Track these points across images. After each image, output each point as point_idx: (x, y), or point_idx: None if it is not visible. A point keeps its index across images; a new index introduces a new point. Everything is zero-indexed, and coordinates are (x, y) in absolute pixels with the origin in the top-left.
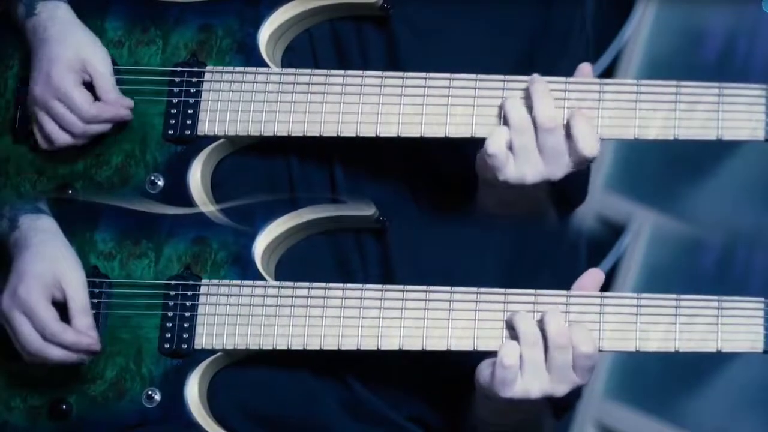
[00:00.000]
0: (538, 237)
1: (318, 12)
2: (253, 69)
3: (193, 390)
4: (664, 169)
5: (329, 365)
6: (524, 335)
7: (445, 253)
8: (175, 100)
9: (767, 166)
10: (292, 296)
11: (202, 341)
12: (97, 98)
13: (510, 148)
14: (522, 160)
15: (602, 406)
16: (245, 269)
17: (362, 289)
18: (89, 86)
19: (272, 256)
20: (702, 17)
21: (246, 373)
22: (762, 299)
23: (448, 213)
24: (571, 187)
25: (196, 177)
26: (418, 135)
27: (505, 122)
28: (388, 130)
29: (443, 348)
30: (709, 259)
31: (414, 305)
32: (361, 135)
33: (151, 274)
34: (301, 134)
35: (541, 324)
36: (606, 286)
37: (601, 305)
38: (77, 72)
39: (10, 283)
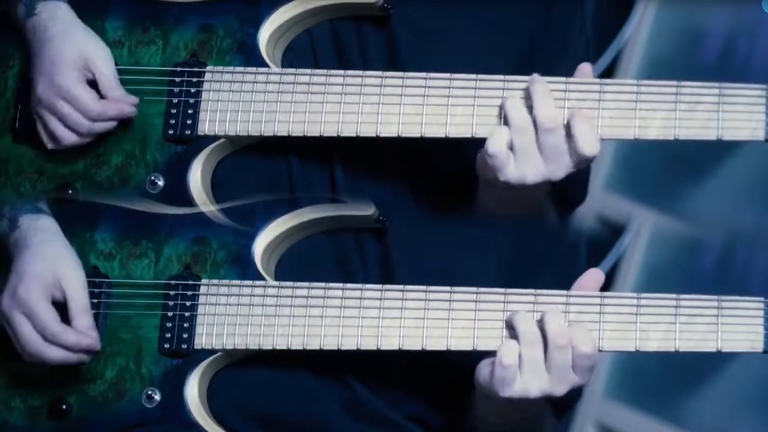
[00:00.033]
0: (538, 237)
1: (318, 12)
2: (253, 69)
3: (192, 390)
4: (664, 169)
5: (329, 365)
6: (524, 335)
7: (445, 253)
8: (175, 100)
9: (767, 166)
10: (292, 296)
11: (201, 341)
12: (101, 96)
13: (510, 148)
14: (522, 160)
15: (602, 406)
16: (245, 269)
17: (362, 289)
18: (92, 84)
19: (272, 256)
20: (702, 17)
21: (246, 373)
22: (762, 299)
23: (448, 213)
24: (571, 187)
25: (197, 177)
26: (418, 135)
27: (506, 122)
28: (389, 130)
29: (443, 348)
30: (709, 259)
31: (414, 305)
32: (362, 135)
33: (151, 274)
34: (301, 134)
35: (540, 324)
36: (606, 286)
37: (600, 305)
38: (80, 70)
39: (10, 283)
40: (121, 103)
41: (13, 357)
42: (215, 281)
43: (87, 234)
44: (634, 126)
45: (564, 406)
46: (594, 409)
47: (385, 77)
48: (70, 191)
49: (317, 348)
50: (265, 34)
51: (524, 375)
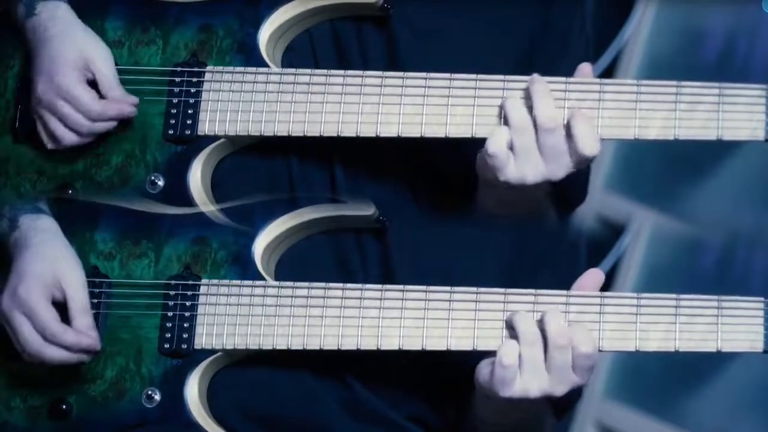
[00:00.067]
0: (538, 237)
1: (318, 12)
2: (253, 69)
3: (192, 390)
4: (664, 169)
5: (329, 365)
6: (524, 335)
7: (445, 253)
8: (175, 100)
9: (767, 166)
10: (292, 296)
11: (201, 341)
12: (101, 96)
13: (511, 148)
14: (523, 160)
15: (602, 406)
16: (245, 269)
17: (362, 289)
18: (92, 84)
19: (272, 256)
20: (702, 17)
21: (246, 373)
22: (762, 299)
23: (448, 213)
24: (571, 187)
25: (197, 177)
26: (418, 135)
27: (506, 122)
28: (389, 130)
29: (443, 348)
30: (709, 259)
31: (414, 305)
32: (362, 135)
33: (151, 274)
34: (301, 134)
35: (540, 324)
36: (606, 286)
37: (600, 305)
38: (80, 70)
39: (10, 283)
40: (121, 103)
41: (13, 357)
42: (215, 281)
43: (87, 234)
44: (634, 126)
45: (564, 406)
46: (594, 409)
47: (385, 77)
48: (70, 191)
49: (317, 348)
50: (265, 34)
51: (524, 375)
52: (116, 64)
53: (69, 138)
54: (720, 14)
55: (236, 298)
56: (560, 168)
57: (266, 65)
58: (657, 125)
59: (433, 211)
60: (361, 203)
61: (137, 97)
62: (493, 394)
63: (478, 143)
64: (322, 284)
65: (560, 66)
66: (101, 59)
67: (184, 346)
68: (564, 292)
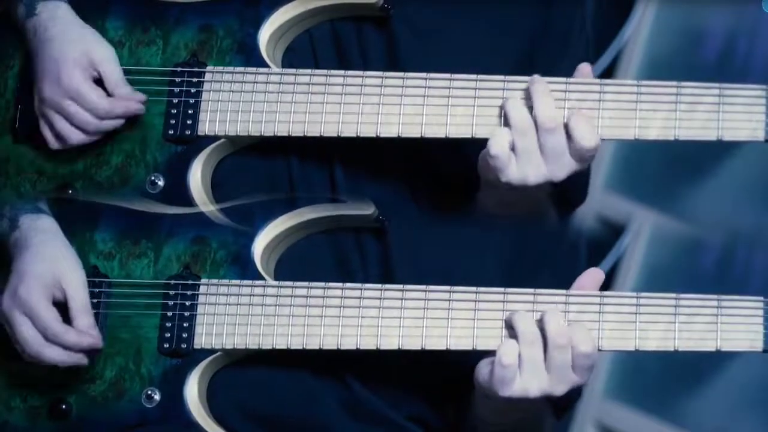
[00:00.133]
0: (538, 237)
1: (318, 12)
2: (253, 69)
3: (192, 390)
4: (664, 169)
5: (329, 365)
6: (523, 334)
7: (445, 253)
8: (175, 100)
9: (767, 166)
10: (292, 296)
11: (201, 341)
12: (107, 94)
13: (512, 149)
14: (524, 161)
15: (602, 406)
16: (245, 269)
17: (361, 289)
18: (97, 83)
19: (272, 256)
20: (702, 17)
21: (245, 372)
22: (761, 298)
23: (448, 213)
24: (571, 188)
25: (197, 177)
26: (418, 135)
27: (506, 123)
28: (389, 130)
29: (442, 347)
30: (709, 259)
31: (413, 305)
32: (362, 135)
33: (151, 273)
34: (301, 134)
35: (540, 323)
36: (606, 286)
37: (600, 304)
38: (85, 69)
39: (11, 284)
40: (128, 100)
41: (13, 357)
42: (215, 281)
43: (87, 234)
44: (634, 126)
45: (564, 405)
46: (594, 409)
47: (386, 77)
48: (70, 191)
49: (317, 348)
50: (265, 34)
51: (524, 375)
52: None
53: (76, 137)
54: (720, 14)
55: (236, 298)
56: (561, 168)
57: (266, 65)
58: (657, 125)
59: (433, 211)
60: (360, 203)
61: (144, 95)
62: (492, 393)
63: (478, 143)
64: (322, 284)
65: (560, 66)
66: (106, 57)
67: (184, 346)
68: (563, 291)
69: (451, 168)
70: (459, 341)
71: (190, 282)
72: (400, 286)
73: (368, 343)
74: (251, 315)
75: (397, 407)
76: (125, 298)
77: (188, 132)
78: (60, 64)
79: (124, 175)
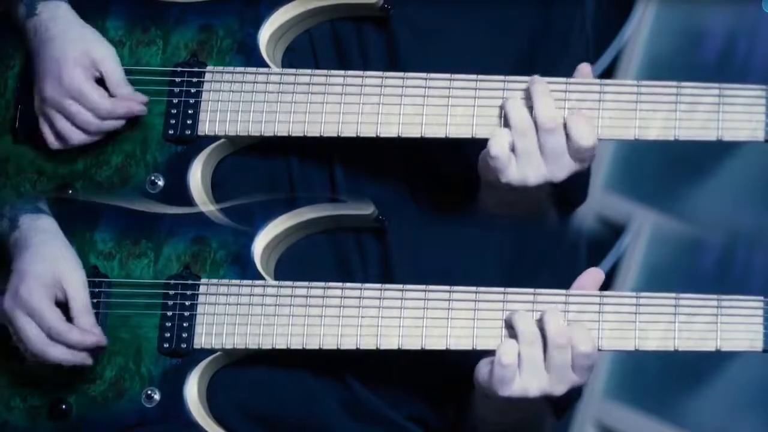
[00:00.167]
0: (538, 237)
1: (318, 12)
2: (253, 69)
3: (192, 389)
4: (664, 169)
5: (328, 365)
6: (523, 334)
7: (445, 253)
8: (175, 100)
9: (767, 166)
10: (291, 296)
11: (201, 341)
12: (109, 94)
13: (512, 149)
14: (524, 162)
15: (602, 406)
16: (244, 269)
17: (361, 289)
18: (99, 83)
19: (272, 256)
20: (702, 17)
21: (245, 372)
22: (761, 298)
23: (448, 213)
24: (571, 188)
25: (197, 177)
26: (418, 135)
27: (506, 123)
28: (389, 130)
29: (442, 347)
30: (709, 259)
31: (413, 304)
32: (362, 135)
33: (151, 273)
34: (301, 134)
35: (540, 323)
36: (606, 286)
37: (600, 304)
38: (87, 69)
39: (12, 284)
40: (130, 101)
41: (13, 357)
42: (214, 281)
43: (87, 234)
44: (634, 126)
45: (564, 405)
46: (594, 408)
47: (386, 77)
48: (70, 191)
49: (316, 348)
50: (265, 34)
51: (523, 374)
52: None
53: (77, 137)
54: (720, 14)
55: (235, 298)
56: (561, 169)
57: (266, 65)
58: (657, 126)
59: (433, 211)
60: (360, 203)
61: (146, 96)
62: (492, 393)
63: (478, 143)
64: (322, 284)
65: (560, 66)
66: (108, 57)
67: (184, 346)
68: (563, 291)
69: (451, 168)
70: (459, 341)
71: (190, 282)
72: (400, 286)
73: (368, 343)
74: (251, 315)
75: (397, 407)
76: (125, 298)
77: (188, 132)
78: (61, 64)
79: (124, 175)
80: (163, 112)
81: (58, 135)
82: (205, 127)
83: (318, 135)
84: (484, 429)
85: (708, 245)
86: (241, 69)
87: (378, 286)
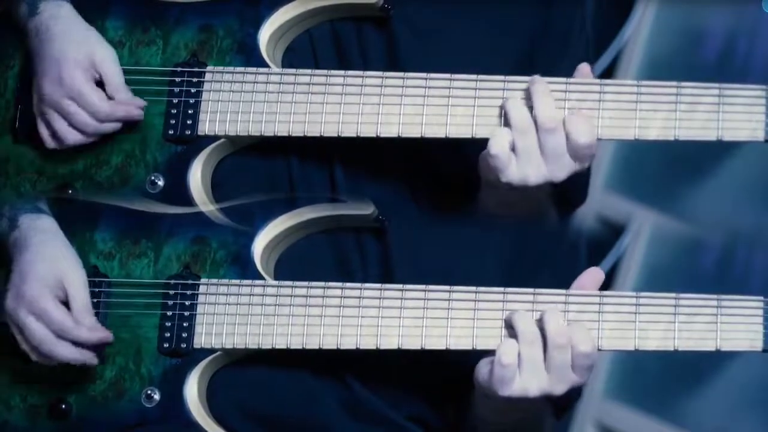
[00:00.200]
0: (538, 237)
1: (318, 12)
2: (253, 69)
3: (192, 389)
4: (664, 169)
5: (328, 365)
6: (523, 334)
7: (445, 253)
8: (175, 100)
9: (767, 166)
10: (291, 296)
11: (201, 340)
12: (107, 96)
13: (513, 149)
14: (524, 162)
15: (602, 406)
16: (244, 269)
17: (361, 289)
18: (98, 85)
19: (272, 255)
20: (702, 17)
21: (245, 372)
22: (761, 298)
23: (448, 213)
24: (571, 188)
25: (197, 177)
26: (418, 135)
27: (506, 123)
28: (389, 130)
29: (442, 347)
30: (709, 259)
31: (413, 304)
32: (362, 135)
33: (151, 273)
34: (301, 134)
35: (540, 323)
36: (606, 286)
37: (600, 304)
38: (87, 70)
39: (13, 284)
40: (129, 105)
41: (13, 356)
42: (214, 281)
43: (87, 234)
44: (634, 126)
45: (563, 405)
46: (594, 408)
47: (386, 77)
48: (69, 191)
49: (316, 347)
50: (265, 34)
51: (523, 374)
52: None
53: (73, 137)
54: (720, 14)
55: (235, 298)
56: (562, 169)
57: (266, 65)
58: (657, 126)
59: (433, 211)
60: (360, 203)
61: (144, 101)
62: (492, 393)
63: (479, 143)
64: (322, 284)
65: (560, 66)
66: (108, 60)
67: (184, 346)
68: (563, 291)
69: (451, 168)
70: (459, 341)
71: (189, 282)
72: (400, 286)
73: (368, 343)
74: (251, 315)
75: (397, 407)
76: (125, 297)
77: (188, 132)
78: (61, 64)
79: (124, 175)
80: (163, 112)
81: (54, 135)
82: (205, 127)
83: (318, 135)
84: (484, 429)
85: (708, 245)
86: (241, 69)
87: (378, 286)
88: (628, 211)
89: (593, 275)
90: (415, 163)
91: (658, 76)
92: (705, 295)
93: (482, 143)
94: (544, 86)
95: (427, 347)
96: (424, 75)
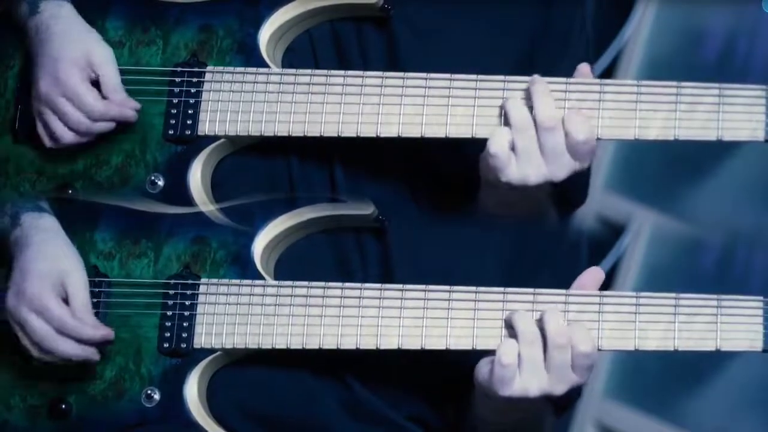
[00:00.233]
0: (538, 237)
1: (318, 13)
2: (253, 69)
3: (192, 389)
4: (664, 169)
5: (328, 365)
6: (523, 334)
7: (445, 253)
8: (175, 100)
9: (767, 166)
10: (291, 295)
11: (201, 340)
12: (102, 97)
13: (512, 149)
14: (524, 161)
15: (602, 406)
16: (244, 268)
17: (361, 289)
18: (94, 84)
19: (271, 255)
20: (702, 17)
21: (245, 372)
22: (761, 298)
23: (448, 213)
24: (571, 188)
25: (197, 177)
26: (418, 135)
27: (506, 123)
28: (389, 130)
29: (442, 347)
30: (709, 259)
31: (413, 304)
32: (362, 135)
33: (151, 273)
34: (301, 134)
35: (540, 323)
36: (606, 286)
37: (600, 304)
38: (84, 69)
39: (14, 281)
40: (123, 106)
41: (13, 355)
42: (214, 281)
43: (87, 234)
44: (634, 126)
45: (563, 405)
46: (594, 408)
47: (386, 77)
48: (69, 191)
49: (316, 347)
50: (265, 34)
51: (523, 374)
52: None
53: (68, 137)
54: (720, 14)
55: (235, 298)
56: (561, 168)
57: (266, 65)
58: (657, 125)
59: (433, 211)
60: (360, 203)
61: (138, 103)
62: (492, 393)
63: (479, 143)
64: (322, 284)
65: (560, 66)
66: (106, 60)
67: (184, 346)
68: (563, 291)
69: (451, 168)
70: (459, 341)
71: (189, 282)
72: (400, 286)
73: (368, 343)
74: (251, 315)
75: (397, 407)
76: (125, 297)
77: (188, 132)
78: (59, 63)
79: (124, 175)
80: (163, 112)
81: (52, 135)
82: (205, 127)
83: (318, 135)
84: (484, 429)
85: (708, 245)
86: (241, 69)
87: (378, 286)
88: (628, 211)
89: (593, 275)
90: (415, 163)
91: (658, 76)
92: (705, 295)
93: (482, 143)
94: (544, 86)
95: (427, 347)
96: (424, 75)
